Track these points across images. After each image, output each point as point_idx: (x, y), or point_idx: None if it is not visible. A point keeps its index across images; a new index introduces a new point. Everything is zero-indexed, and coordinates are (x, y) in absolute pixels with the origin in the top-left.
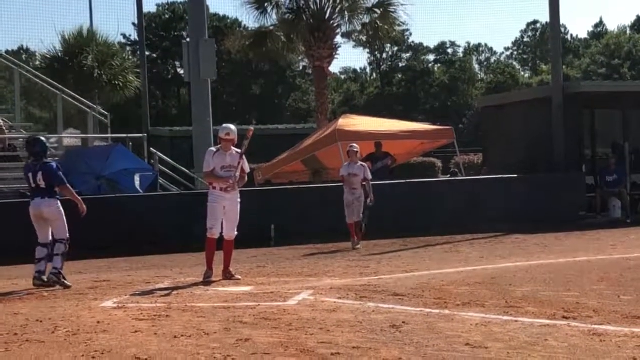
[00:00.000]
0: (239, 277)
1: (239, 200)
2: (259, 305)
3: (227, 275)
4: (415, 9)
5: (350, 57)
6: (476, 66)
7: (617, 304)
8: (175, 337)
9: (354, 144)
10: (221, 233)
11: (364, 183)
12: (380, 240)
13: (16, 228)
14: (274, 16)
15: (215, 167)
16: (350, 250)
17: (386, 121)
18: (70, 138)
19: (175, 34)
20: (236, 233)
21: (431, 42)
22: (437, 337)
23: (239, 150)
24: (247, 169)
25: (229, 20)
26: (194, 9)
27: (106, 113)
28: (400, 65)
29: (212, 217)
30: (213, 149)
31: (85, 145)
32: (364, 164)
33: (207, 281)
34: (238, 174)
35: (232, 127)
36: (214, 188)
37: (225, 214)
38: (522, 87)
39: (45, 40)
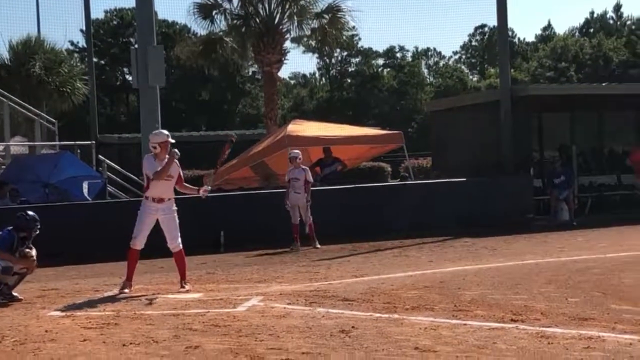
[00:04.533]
0: (188, 287)
1: (174, 208)
2: (208, 312)
3: (182, 284)
4: (364, 14)
5: (299, 62)
6: (425, 70)
7: (564, 306)
8: (124, 345)
9: (295, 150)
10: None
11: (305, 185)
12: (329, 246)
13: None
14: (223, 22)
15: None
16: (297, 252)
17: (335, 126)
18: (18, 146)
19: (124, 40)
20: (179, 242)
21: (380, 47)
22: (386, 341)
23: (175, 152)
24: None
25: (177, 26)
26: (142, 15)
27: (54, 120)
28: (350, 69)
29: (137, 227)
30: (149, 155)
31: (32, 153)
32: (305, 167)
33: (122, 292)
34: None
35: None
36: (147, 198)
37: (162, 226)
38: (470, 90)
39: None
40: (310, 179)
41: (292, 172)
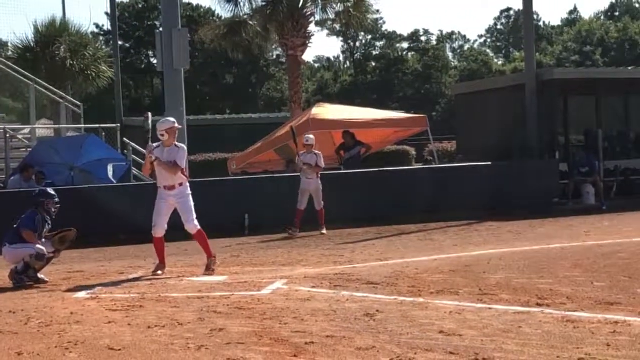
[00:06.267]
0: (214, 268)
1: (188, 192)
2: (233, 294)
3: (209, 262)
4: None
5: (324, 45)
6: (449, 54)
7: (590, 290)
8: (149, 327)
9: (310, 135)
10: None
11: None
12: (354, 229)
13: None
14: (247, 6)
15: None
16: (327, 237)
17: (360, 109)
18: (43, 129)
19: (149, 23)
20: (196, 224)
21: (405, 30)
22: (411, 325)
23: (180, 145)
24: (181, 164)
25: (202, 10)
26: None
27: (79, 103)
28: (374, 53)
29: (155, 214)
30: (154, 144)
31: (58, 135)
32: (317, 152)
33: (156, 274)
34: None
35: (170, 119)
36: (159, 187)
37: (179, 211)
38: (495, 74)
39: (17, 30)
40: (322, 164)
41: (304, 156)
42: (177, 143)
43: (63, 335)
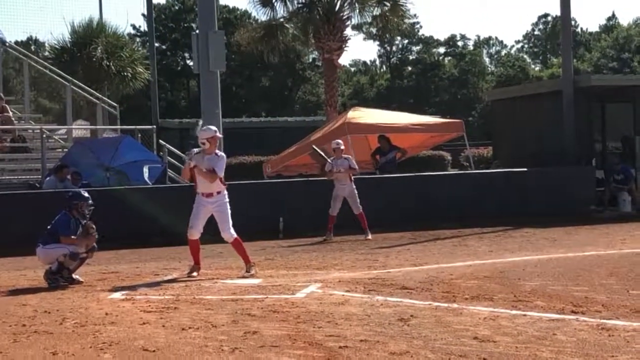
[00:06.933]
0: (254, 272)
1: (225, 200)
2: (267, 297)
3: (248, 269)
4: (426, 1)
5: (360, 49)
6: (486, 59)
7: (626, 298)
8: (183, 329)
9: (339, 140)
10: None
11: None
12: (389, 234)
13: (23, 219)
14: (283, 9)
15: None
16: (361, 242)
17: (395, 114)
18: (79, 129)
19: (185, 25)
20: (232, 232)
21: (441, 35)
22: (445, 330)
23: (221, 153)
24: (219, 173)
25: (238, 12)
26: (204, 0)
27: (115, 104)
28: (411, 57)
29: (192, 217)
30: (195, 149)
31: (94, 136)
32: (347, 156)
33: (190, 276)
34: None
35: (212, 128)
36: (197, 193)
37: (216, 218)
38: (532, 80)
39: (54, 31)
40: (355, 165)
41: (334, 162)
42: (217, 151)
43: (98, 336)
